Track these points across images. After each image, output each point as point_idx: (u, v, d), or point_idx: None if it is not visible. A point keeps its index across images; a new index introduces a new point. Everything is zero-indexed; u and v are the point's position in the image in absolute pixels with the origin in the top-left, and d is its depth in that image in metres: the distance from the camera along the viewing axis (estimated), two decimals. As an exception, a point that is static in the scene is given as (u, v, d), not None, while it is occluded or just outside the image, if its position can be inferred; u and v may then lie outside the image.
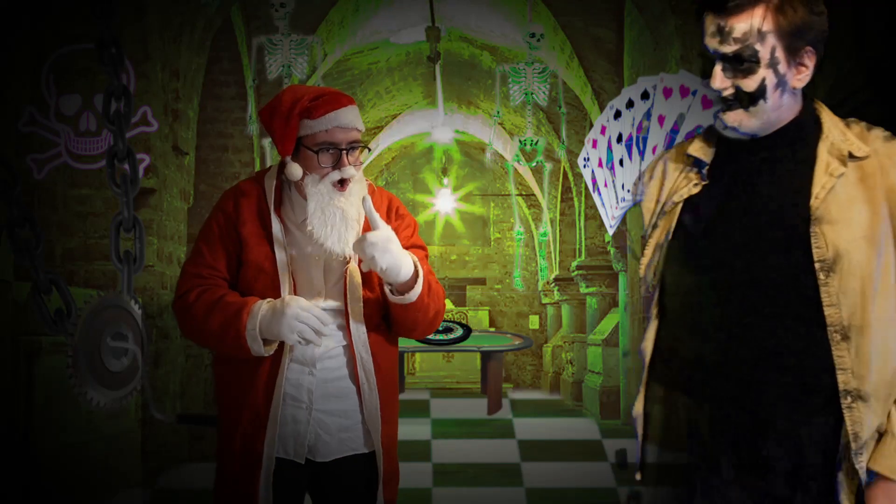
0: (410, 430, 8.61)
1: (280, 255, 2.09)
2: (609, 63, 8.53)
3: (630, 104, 1.68)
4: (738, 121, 1.65)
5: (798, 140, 1.67)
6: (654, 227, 1.77)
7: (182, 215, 6.78)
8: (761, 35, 1.59)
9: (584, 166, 1.67)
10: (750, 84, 1.62)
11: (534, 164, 9.13)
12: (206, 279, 2.12)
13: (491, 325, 16.80)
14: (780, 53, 1.61)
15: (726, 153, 1.71)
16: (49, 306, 2.11)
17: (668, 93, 1.60)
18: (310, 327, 1.99)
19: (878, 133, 1.67)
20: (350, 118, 2.08)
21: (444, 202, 16.71)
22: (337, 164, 2.07)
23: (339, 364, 2.13)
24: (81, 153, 4.93)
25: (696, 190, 1.72)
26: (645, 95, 1.67)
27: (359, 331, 2.12)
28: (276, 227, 2.10)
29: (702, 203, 1.63)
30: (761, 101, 1.62)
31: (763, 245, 1.63)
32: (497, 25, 9.70)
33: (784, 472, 1.61)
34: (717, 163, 1.72)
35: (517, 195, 14.35)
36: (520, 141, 8.95)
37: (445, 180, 16.33)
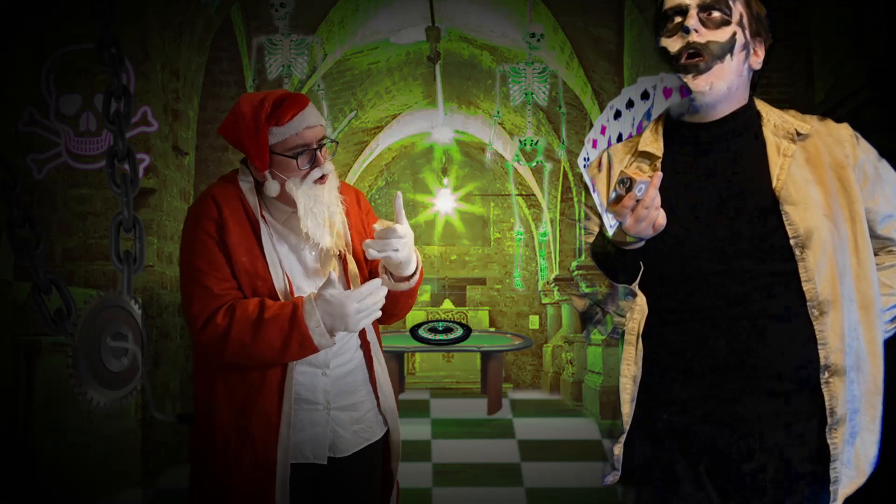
0: (410, 430, 8.61)
1: (272, 258, 2.08)
2: (609, 63, 8.52)
3: (630, 104, 1.66)
4: (708, 82, 1.65)
5: (744, 128, 1.71)
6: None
7: (182, 215, 6.77)
8: None
9: (584, 166, 1.65)
10: (722, 35, 1.65)
11: (534, 164, 9.14)
12: (221, 297, 2.03)
13: (491, 325, 16.78)
14: (746, 21, 1.67)
15: (678, 147, 1.73)
16: (49, 306, 2.11)
17: (668, 93, 1.60)
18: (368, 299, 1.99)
19: (812, 116, 1.73)
20: (315, 116, 2.09)
21: (444, 202, 16.70)
22: (314, 163, 2.08)
23: (349, 358, 2.14)
24: (81, 153, 4.93)
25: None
26: (645, 95, 1.66)
27: None
28: (264, 230, 2.09)
29: (666, 196, 1.61)
30: (727, 58, 1.65)
31: (738, 231, 1.65)
32: (497, 25, 9.70)
33: (767, 480, 1.63)
34: (668, 156, 1.73)
35: (517, 195, 14.35)
36: (520, 141, 8.96)
37: (445, 180, 16.33)
